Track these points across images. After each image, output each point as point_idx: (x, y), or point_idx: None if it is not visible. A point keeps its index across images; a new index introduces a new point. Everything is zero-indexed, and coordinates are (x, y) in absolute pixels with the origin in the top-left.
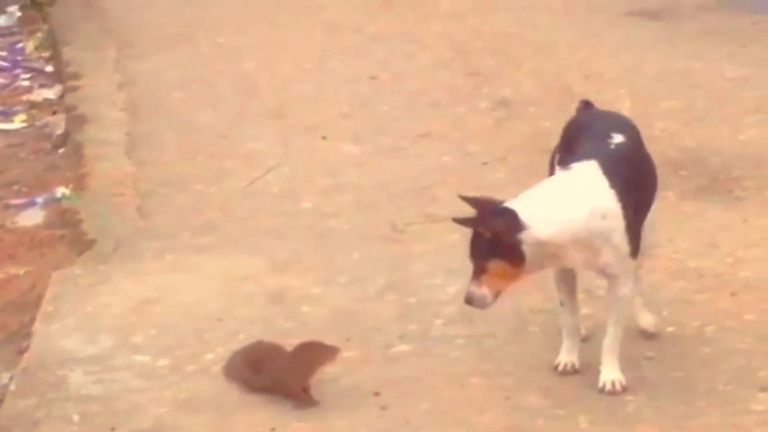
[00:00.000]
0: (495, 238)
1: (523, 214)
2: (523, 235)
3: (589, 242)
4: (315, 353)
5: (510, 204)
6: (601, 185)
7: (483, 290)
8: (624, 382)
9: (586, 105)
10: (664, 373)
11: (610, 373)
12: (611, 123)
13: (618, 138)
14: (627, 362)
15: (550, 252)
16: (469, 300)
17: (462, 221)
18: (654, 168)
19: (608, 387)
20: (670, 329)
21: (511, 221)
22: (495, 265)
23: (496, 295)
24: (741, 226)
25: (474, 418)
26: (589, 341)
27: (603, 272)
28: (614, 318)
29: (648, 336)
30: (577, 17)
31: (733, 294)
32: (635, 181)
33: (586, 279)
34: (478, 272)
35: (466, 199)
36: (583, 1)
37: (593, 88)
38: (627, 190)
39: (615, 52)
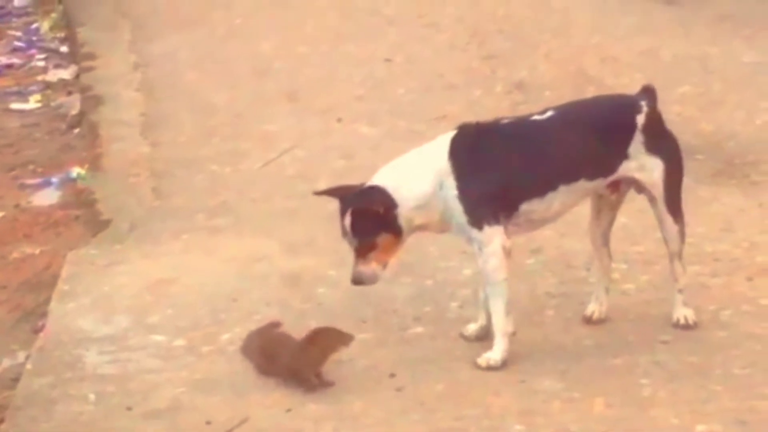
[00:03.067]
0: (384, 214)
1: (391, 189)
2: (399, 209)
3: (439, 209)
4: (330, 339)
5: (375, 182)
6: (441, 156)
7: (372, 266)
8: (496, 362)
9: (644, 90)
10: (680, 357)
11: (491, 352)
12: (579, 102)
13: (539, 115)
14: (643, 346)
15: (419, 222)
16: (359, 279)
17: (357, 208)
18: (561, 159)
19: (481, 363)
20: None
21: (386, 196)
22: (383, 240)
23: (384, 267)
24: (757, 210)
25: (489, 400)
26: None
27: (463, 238)
28: (487, 291)
29: (681, 327)
30: (593, 1)
31: (749, 278)
32: (511, 157)
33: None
34: (365, 250)
35: (322, 192)
36: None
37: (609, 72)
38: (479, 162)
39: (631, 36)
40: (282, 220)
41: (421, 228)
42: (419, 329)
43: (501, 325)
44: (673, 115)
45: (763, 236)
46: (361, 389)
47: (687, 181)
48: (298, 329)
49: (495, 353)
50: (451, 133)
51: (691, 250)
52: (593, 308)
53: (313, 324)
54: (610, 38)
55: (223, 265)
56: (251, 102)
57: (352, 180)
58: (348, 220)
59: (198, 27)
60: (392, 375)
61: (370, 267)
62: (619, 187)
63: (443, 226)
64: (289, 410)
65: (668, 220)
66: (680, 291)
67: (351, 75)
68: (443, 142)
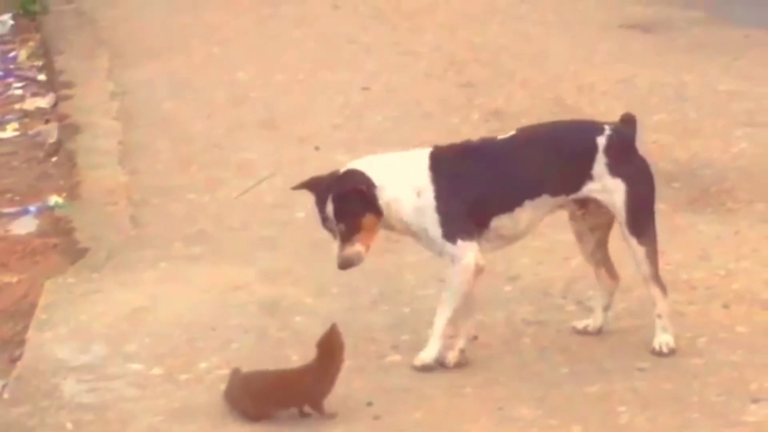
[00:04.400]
0: (366, 195)
1: (369, 173)
2: (377, 190)
3: (409, 215)
4: (333, 360)
5: (351, 167)
6: (421, 166)
7: (357, 248)
8: (430, 362)
9: (623, 119)
10: (657, 384)
11: (423, 352)
12: (543, 124)
13: (503, 135)
14: (619, 373)
15: (391, 218)
16: (347, 263)
17: (339, 192)
18: (525, 176)
19: (417, 363)
20: None
21: (366, 177)
22: (367, 221)
23: (367, 250)
24: (733, 238)
25: (466, 428)
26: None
27: (433, 252)
28: (442, 297)
29: (657, 354)
30: (569, 29)
31: (725, 306)
32: (482, 176)
33: (580, 290)
34: (350, 233)
35: (299, 186)
36: (576, 13)
37: (586, 100)
38: (456, 179)
39: (607, 64)
40: (260, 249)
41: (390, 226)
42: (397, 357)
43: (440, 329)
44: (649, 142)
45: (739, 264)
46: (339, 417)
47: (663, 209)
48: (275, 358)
49: (427, 352)
50: (428, 149)
51: (668, 277)
52: (587, 322)
53: (291, 353)
54: (586, 66)
55: (201, 293)
56: (229, 130)
57: None
58: (330, 206)
59: (175, 55)
60: (370, 403)
61: (355, 249)
62: (586, 205)
63: (410, 231)
64: None
65: (632, 241)
66: (659, 316)
67: (328, 103)
68: (422, 155)
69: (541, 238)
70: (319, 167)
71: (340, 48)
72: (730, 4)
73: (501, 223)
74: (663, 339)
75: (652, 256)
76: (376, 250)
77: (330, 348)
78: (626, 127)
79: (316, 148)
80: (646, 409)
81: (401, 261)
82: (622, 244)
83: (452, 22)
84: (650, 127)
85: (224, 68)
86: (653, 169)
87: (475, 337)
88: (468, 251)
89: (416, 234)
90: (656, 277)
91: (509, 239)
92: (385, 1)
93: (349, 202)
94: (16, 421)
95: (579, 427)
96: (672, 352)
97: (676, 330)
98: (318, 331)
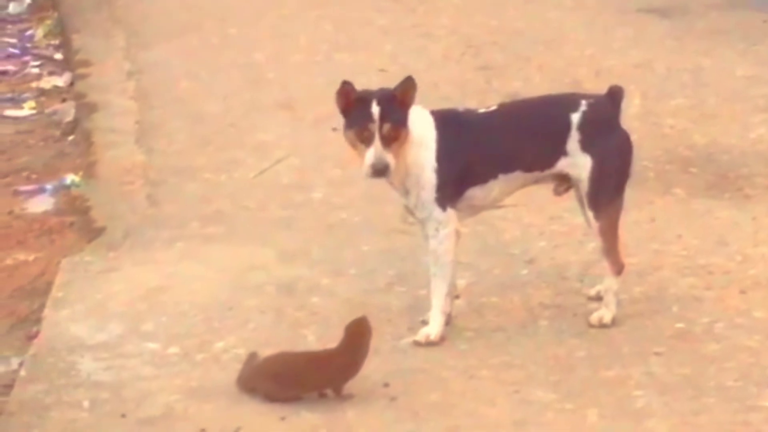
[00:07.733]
0: (408, 110)
1: None
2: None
3: (413, 170)
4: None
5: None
6: (429, 123)
7: (390, 158)
8: (434, 338)
9: (609, 92)
10: (673, 369)
11: (427, 328)
12: (522, 102)
13: (485, 109)
14: (636, 357)
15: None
16: (383, 169)
17: (390, 93)
18: (503, 150)
19: (420, 339)
20: (679, 325)
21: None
22: (405, 133)
23: (394, 166)
24: (750, 223)
25: (482, 410)
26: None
27: (416, 214)
28: (432, 271)
29: (590, 325)
30: (587, 13)
31: (742, 291)
32: (469, 146)
33: (597, 273)
34: (389, 139)
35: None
36: None
37: (603, 84)
38: (453, 144)
39: (625, 48)
40: (276, 229)
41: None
42: (413, 339)
43: (440, 303)
44: (666, 127)
45: (756, 249)
46: (355, 398)
47: (680, 194)
48: (292, 338)
49: (432, 328)
50: (426, 109)
51: (685, 262)
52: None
53: (308, 333)
54: (604, 50)
55: (217, 273)
56: (245, 111)
57: (349, 190)
58: (376, 107)
59: (192, 35)
60: (386, 384)
61: (390, 157)
62: (567, 180)
63: (402, 183)
64: (283, 418)
65: (590, 214)
66: (605, 291)
67: None
68: (424, 112)
69: (558, 221)
70: (337, 149)
71: (357, 30)
72: None
73: (474, 193)
74: (601, 312)
75: (609, 231)
76: (391, 231)
77: (359, 333)
78: (609, 100)
79: (333, 129)
80: (662, 393)
81: (418, 243)
82: (631, 231)
83: (469, 4)
84: (668, 112)
85: (241, 49)
86: (633, 144)
87: (457, 297)
88: (452, 219)
89: (409, 188)
90: (609, 253)
91: (477, 209)
92: None
93: (395, 108)
94: (33, 398)
95: (595, 411)
96: (604, 326)
97: (693, 315)
98: (335, 311)
